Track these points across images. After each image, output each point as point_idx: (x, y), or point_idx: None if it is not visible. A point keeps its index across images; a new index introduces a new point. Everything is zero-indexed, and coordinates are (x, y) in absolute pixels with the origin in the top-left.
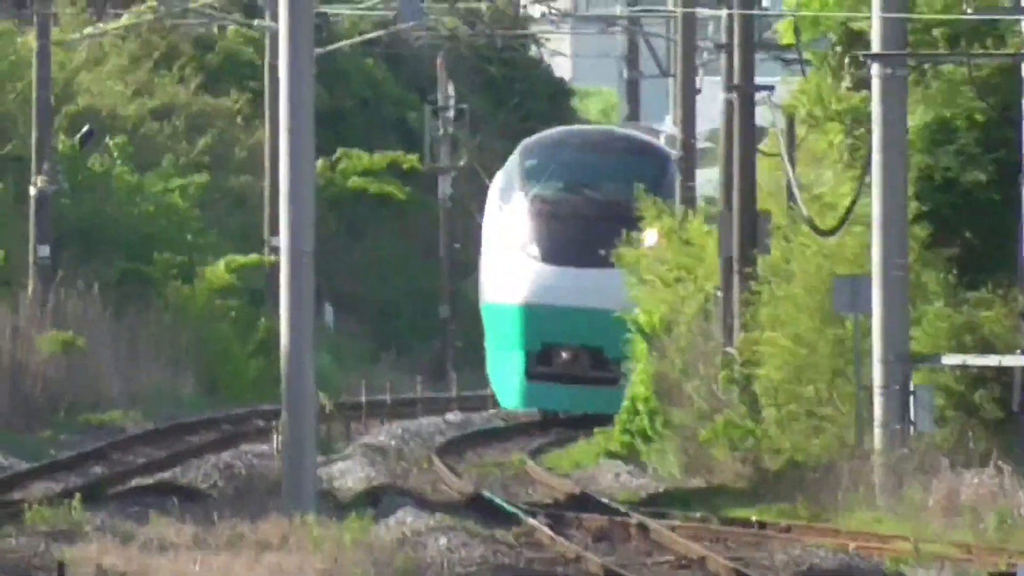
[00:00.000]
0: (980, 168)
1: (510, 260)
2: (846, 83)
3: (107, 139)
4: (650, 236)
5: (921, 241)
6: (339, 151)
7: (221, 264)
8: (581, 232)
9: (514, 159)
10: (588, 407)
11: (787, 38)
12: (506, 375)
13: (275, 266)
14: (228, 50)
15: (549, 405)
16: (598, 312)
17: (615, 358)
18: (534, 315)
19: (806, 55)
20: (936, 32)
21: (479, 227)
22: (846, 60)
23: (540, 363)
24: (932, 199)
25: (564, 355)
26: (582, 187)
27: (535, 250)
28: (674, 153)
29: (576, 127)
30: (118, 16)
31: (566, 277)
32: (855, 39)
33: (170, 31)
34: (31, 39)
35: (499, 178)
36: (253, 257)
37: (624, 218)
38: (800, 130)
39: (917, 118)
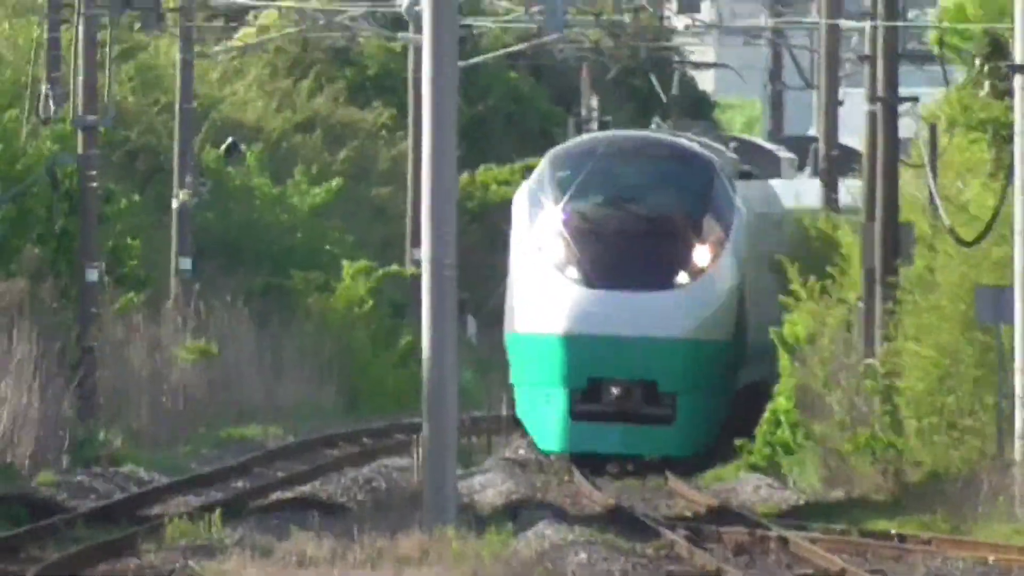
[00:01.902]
0: None
1: (546, 284)
2: (984, 91)
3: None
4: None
5: None
6: (481, 167)
7: (352, 269)
8: (626, 251)
9: (543, 169)
10: (641, 449)
11: (934, 47)
12: (544, 414)
13: (417, 278)
14: (370, 62)
15: (596, 447)
16: (650, 341)
17: (670, 392)
18: (579, 346)
19: (952, 66)
20: None
21: None
22: (985, 69)
23: (586, 400)
24: None
25: (614, 390)
26: (623, 200)
27: (575, 272)
28: (718, 160)
29: (608, 132)
30: (260, 28)
31: (613, 302)
32: (999, 49)
33: (312, 43)
34: (171, 49)
35: (525, 191)
36: (393, 267)
37: (671, 233)
38: (943, 140)
39: None
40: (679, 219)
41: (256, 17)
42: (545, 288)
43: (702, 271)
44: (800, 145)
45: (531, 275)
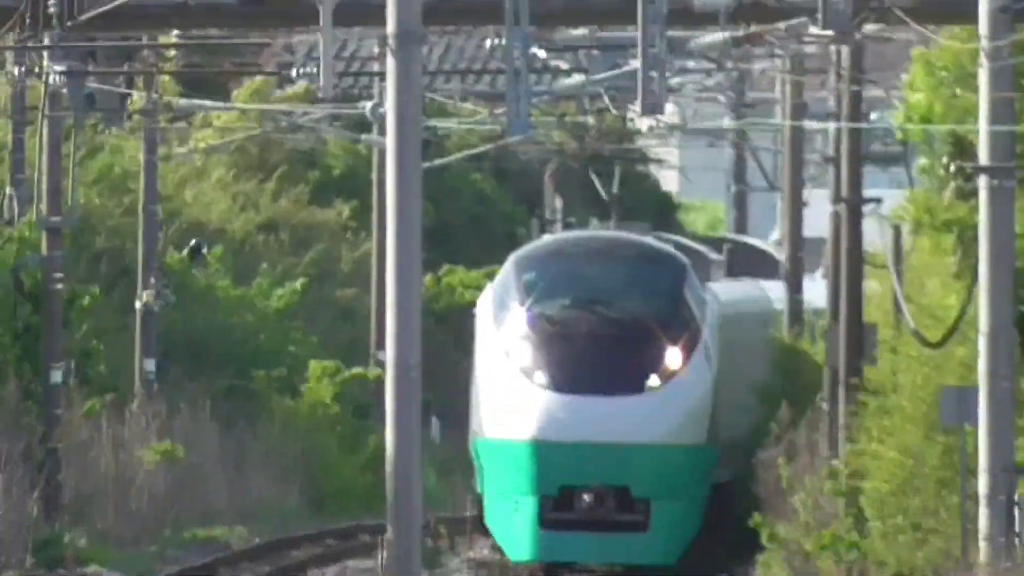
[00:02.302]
0: None
1: (513, 389)
2: (949, 192)
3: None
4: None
5: None
6: (445, 267)
7: (318, 370)
8: (595, 354)
9: (507, 272)
10: (614, 557)
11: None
12: (514, 522)
13: (381, 380)
14: (336, 164)
15: (568, 556)
16: (622, 446)
17: (643, 498)
18: (548, 452)
19: (915, 167)
20: None
21: None
22: (951, 170)
23: (557, 508)
24: None
25: (585, 497)
26: (591, 302)
27: (543, 377)
28: (688, 260)
29: (574, 233)
30: (223, 130)
31: (582, 407)
32: (964, 150)
33: (275, 144)
34: (135, 151)
35: (489, 294)
36: (355, 370)
37: (641, 336)
38: (908, 242)
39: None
40: (649, 321)
41: (219, 118)
42: (512, 393)
43: (674, 374)
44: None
45: (498, 380)
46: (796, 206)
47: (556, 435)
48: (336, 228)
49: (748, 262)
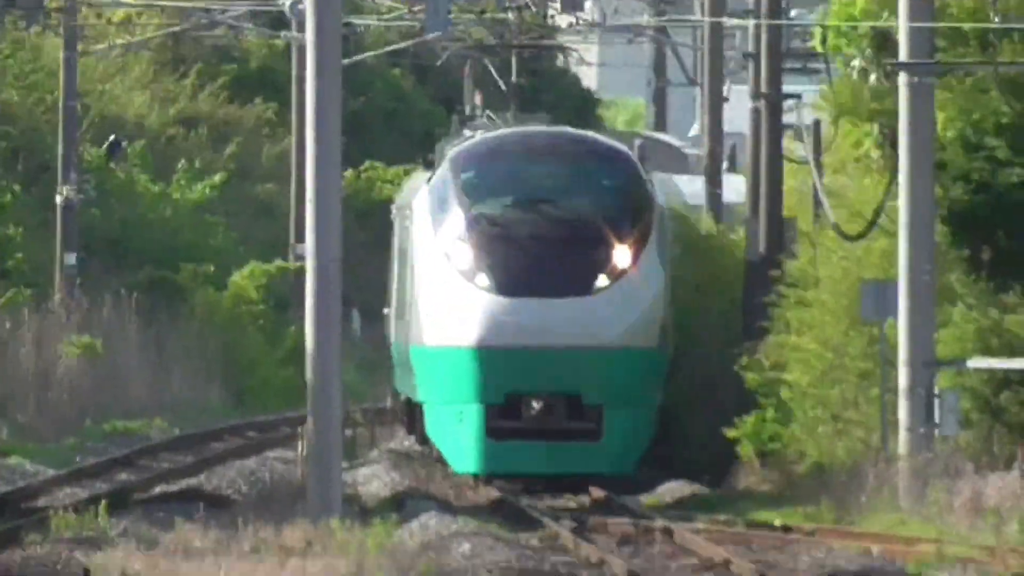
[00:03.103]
0: (1010, 171)
1: (454, 293)
2: (872, 81)
3: (128, 147)
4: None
5: (949, 244)
6: (366, 163)
7: (246, 271)
8: (540, 255)
9: (445, 171)
10: (565, 467)
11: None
12: (458, 434)
13: (301, 273)
14: (253, 60)
15: (516, 468)
16: (573, 351)
17: (594, 405)
18: (493, 359)
19: (834, 63)
20: (967, 30)
21: None
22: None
23: (504, 417)
24: (961, 202)
25: (534, 405)
26: (535, 201)
27: (486, 280)
28: (634, 153)
29: (515, 128)
30: (142, 26)
31: (530, 310)
32: (886, 43)
33: (195, 41)
34: (54, 46)
35: (425, 195)
36: (278, 263)
37: (588, 234)
38: (829, 133)
39: (944, 121)
40: (595, 218)
41: (139, 15)
42: (454, 298)
43: (623, 273)
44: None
45: (438, 284)
46: (716, 102)
47: (500, 340)
48: (256, 124)
49: (660, 158)
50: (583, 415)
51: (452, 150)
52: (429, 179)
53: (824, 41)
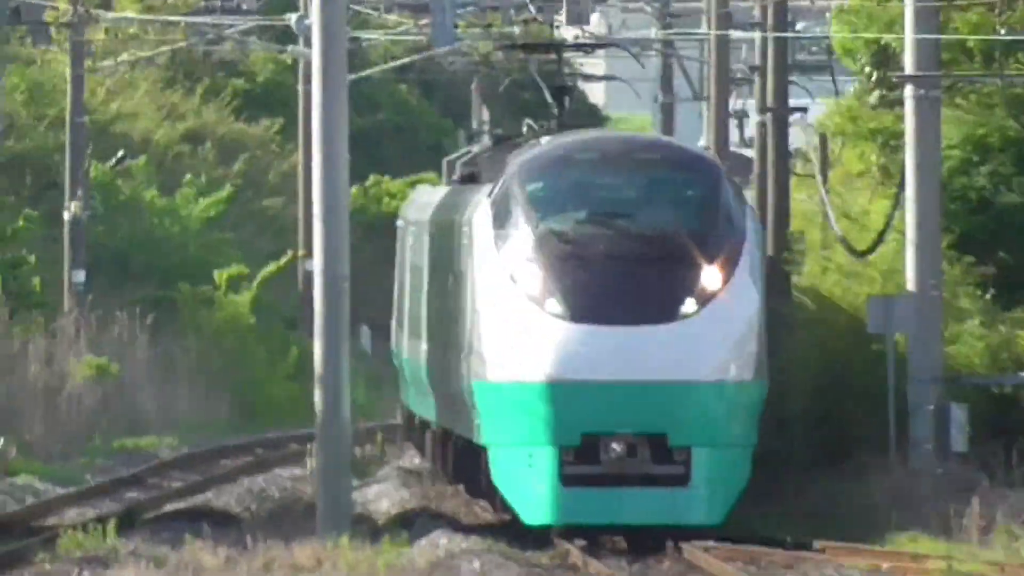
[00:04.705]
0: (1015, 189)
1: (522, 321)
2: (873, 100)
3: (134, 163)
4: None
5: (957, 261)
6: (372, 178)
7: (241, 286)
8: (618, 276)
9: (509, 182)
10: (649, 518)
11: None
12: (527, 481)
13: (309, 290)
14: (260, 75)
15: (594, 518)
16: (658, 386)
17: (682, 446)
18: (568, 396)
19: (844, 77)
20: (971, 45)
21: None
22: (873, 79)
23: (580, 461)
24: (967, 220)
25: (615, 447)
26: (612, 216)
27: (558, 305)
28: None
29: (587, 133)
30: (150, 42)
31: (608, 340)
32: (889, 59)
33: (202, 57)
34: (61, 64)
35: (486, 210)
36: (271, 267)
37: (673, 253)
38: (834, 150)
39: (950, 134)
40: (681, 234)
41: (146, 31)
42: (521, 326)
43: (713, 296)
44: None
45: (503, 311)
46: (722, 116)
47: (575, 374)
48: (263, 140)
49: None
50: (670, 458)
51: (517, 158)
52: (491, 192)
53: (831, 53)
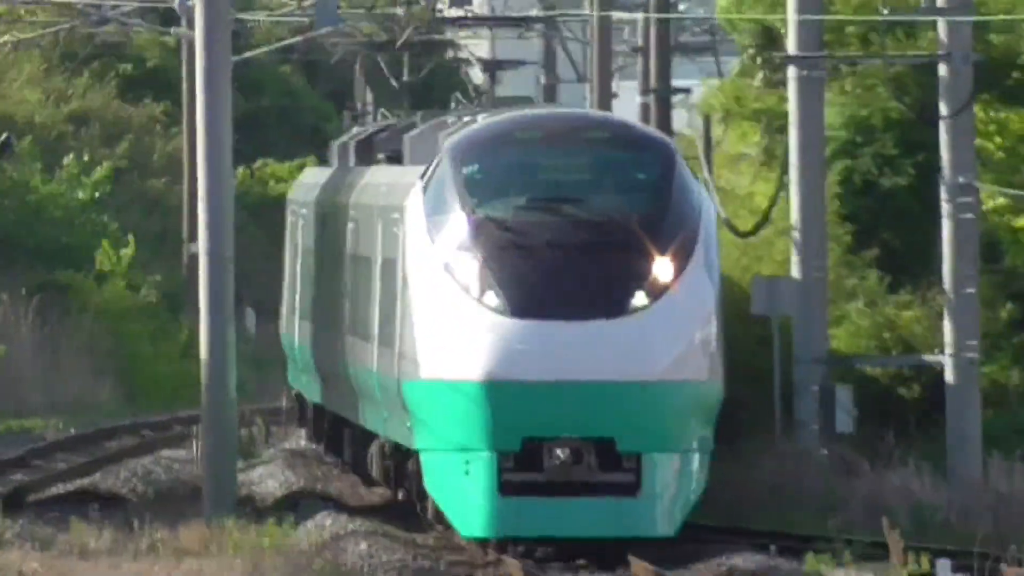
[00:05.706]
0: (899, 172)
1: (456, 315)
2: (757, 81)
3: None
4: None
5: (843, 244)
6: (259, 161)
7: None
8: (564, 268)
9: (443, 165)
10: (595, 530)
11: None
12: (463, 489)
13: (193, 272)
14: (143, 57)
15: (535, 530)
16: (605, 386)
17: (632, 452)
18: (507, 396)
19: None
20: (849, 30)
21: None
22: (758, 60)
23: (520, 468)
24: (852, 202)
25: (558, 453)
26: (556, 202)
27: (495, 298)
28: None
29: (524, 111)
30: (32, 24)
31: (551, 336)
32: (771, 40)
33: (86, 38)
34: None
35: (419, 194)
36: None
37: (621, 241)
38: (717, 131)
39: (833, 116)
40: (631, 222)
41: (27, 13)
42: (456, 321)
43: (665, 288)
44: None
45: (435, 304)
46: (605, 97)
47: (515, 373)
48: (148, 122)
49: None
50: (618, 465)
51: (451, 138)
52: (423, 175)
53: (714, 35)
